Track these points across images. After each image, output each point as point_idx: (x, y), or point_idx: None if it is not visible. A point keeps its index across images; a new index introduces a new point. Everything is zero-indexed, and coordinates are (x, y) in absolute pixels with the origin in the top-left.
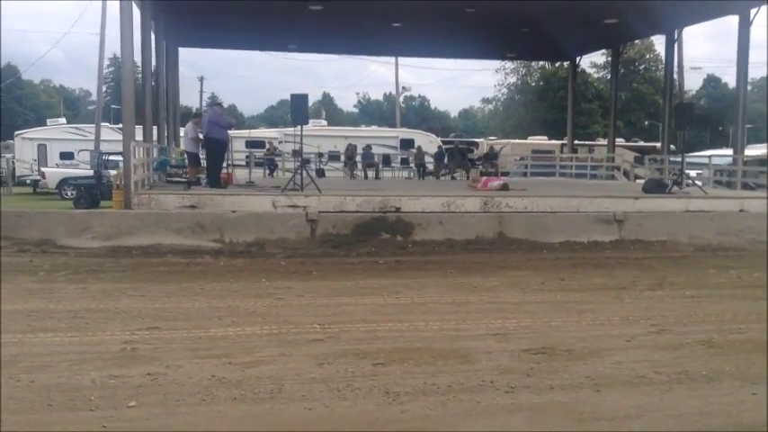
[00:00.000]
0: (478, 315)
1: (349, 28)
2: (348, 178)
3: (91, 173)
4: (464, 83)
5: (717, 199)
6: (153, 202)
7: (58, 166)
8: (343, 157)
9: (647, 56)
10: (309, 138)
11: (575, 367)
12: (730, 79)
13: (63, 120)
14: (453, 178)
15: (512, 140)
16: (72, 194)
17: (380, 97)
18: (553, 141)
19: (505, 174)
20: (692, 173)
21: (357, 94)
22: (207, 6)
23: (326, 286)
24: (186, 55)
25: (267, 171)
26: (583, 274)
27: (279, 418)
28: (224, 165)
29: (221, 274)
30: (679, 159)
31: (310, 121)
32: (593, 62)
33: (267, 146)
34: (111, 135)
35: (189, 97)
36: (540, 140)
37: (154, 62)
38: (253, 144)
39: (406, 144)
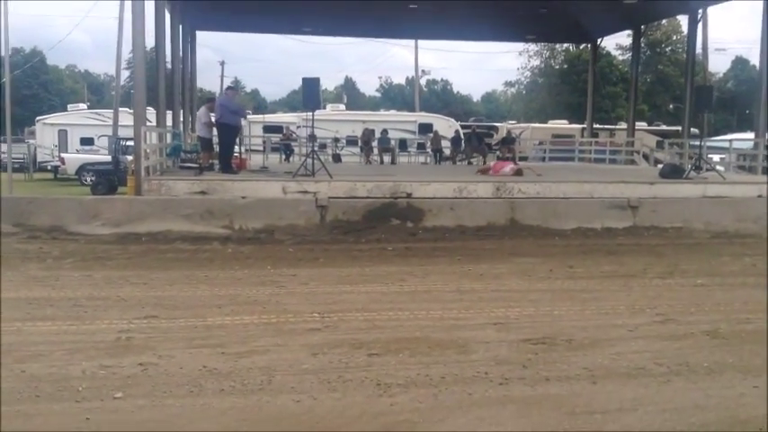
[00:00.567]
0: (481, 303)
1: (364, 10)
2: (364, 163)
3: (109, 158)
4: (487, 66)
5: (735, 184)
6: (163, 188)
7: (78, 151)
8: (359, 143)
9: (674, 37)
10: (327, 122)
11: (573, 358)
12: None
13: (84, 105)
14: (470, 163)
15: (531, 125)
16: (91, 180)
17: (403, 81)
18: (573, 125)
19: (524, 158)
20: (716, 157)
21: (379, 78)
22: None
23: (331, 274)
24: (210, 39)
25: (283, 156)
26: (593, 261)
27: (263, 412)
28: (236, 150)
29: (227, 262)
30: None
31: (328, 105)
32: (618, 44)
33: (284, 131)
34: (130, 120)
35: (211, 81)
36: (560, 124)
37: (169, 45)
38: (271, 129)
39: (425, 129)
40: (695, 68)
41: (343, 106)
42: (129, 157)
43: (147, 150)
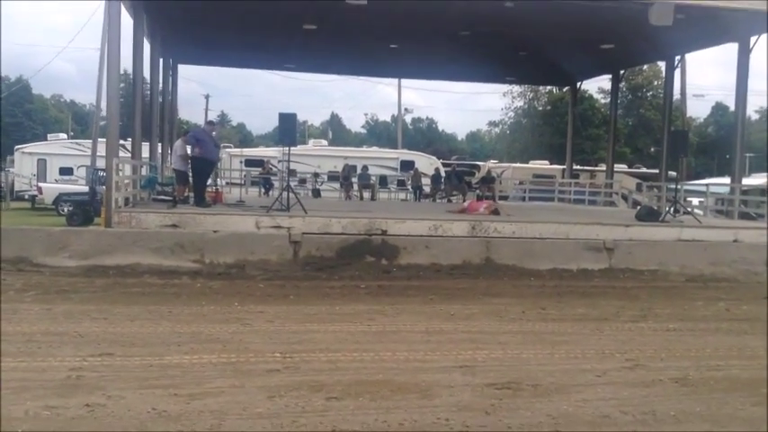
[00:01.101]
0: (449, 345)
1: (346, 48)
2: (344, 199)
3: (87, 189)
4: (472, 106)
5: (711, 228)
6: (134, 220)
7: (57, 181)
8: (340, 178)
9: (655, 82)
10: (310, 157)
11: (538, 404)
12: None
13: (64, 135)
14: (450, 201)
15: (513, 165)
16: (68, 210)
17: (388, 118)
18: (555, 166)
19: (504, 198)
20: (695, 201)
21: (365, 114)
22: (200, 23)
23: (299, 311)
24: (197, 74)
25: (263, 190)
26: (566, 303)
27: None
28: (212, 183)
29: (194, 297)
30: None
31: (311, 141)
32: (600, 87)
33: (264, 164)
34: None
35: (197, 114)
36: (541, 165)
37: (147, 77)
38: (252, 163)
39: (407, 166)
40: (674, 113)
41: (325, 142)
42: None
43: (119, 182)
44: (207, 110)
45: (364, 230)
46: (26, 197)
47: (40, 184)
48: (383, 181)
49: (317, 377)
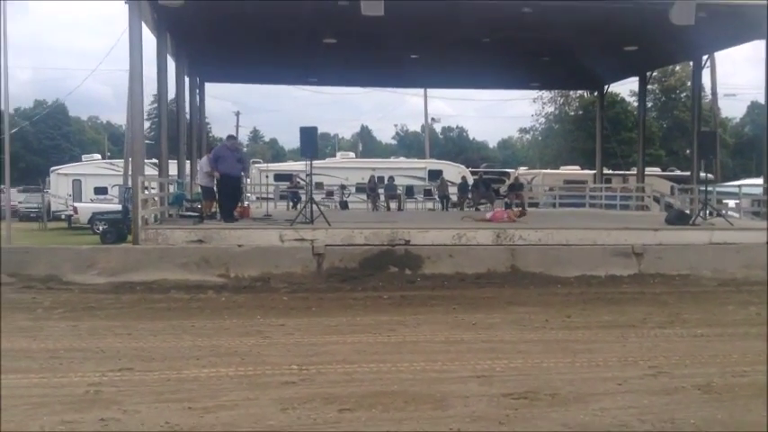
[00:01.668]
0: (468, 355)
1: (367, 60)
2: (371, 210)
3: (120, 207)
4: (502, 113)
5: (743, 230)
6: (160, 237)
7: (92, 201)
8: (366, 189)
9: (688, 83)
10: (338, 170)
11: (554, 414)
12: None
13: (98, 155)
14: (477, 210)
15: (543, 171)
16: (103, 228)
17: (418, 128)
18: (586, 171)
19: (535, 205)
20: (731, 203)
21: (395, 125)
22: (223, 41)
23: (320, 323)
24: (230, 92)
25: (291, 204)
26: (592, 310)
27: None
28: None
29: (218, 311)
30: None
31: (339, 153)
32: (632, 90)
33: (292, 179)
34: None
35: (228, 131)
36: (572, 170)
37: (172, 95)
38: (282, 177)
39: (435, 175)
40: (706, 113)
41: (353, 154)
42: None
43: (146, 200)
44: (237, 126)
45: (387, 241)
46: (62, 217)
47: (76, 204)
48: (410, 191)
49: (331, 389)
